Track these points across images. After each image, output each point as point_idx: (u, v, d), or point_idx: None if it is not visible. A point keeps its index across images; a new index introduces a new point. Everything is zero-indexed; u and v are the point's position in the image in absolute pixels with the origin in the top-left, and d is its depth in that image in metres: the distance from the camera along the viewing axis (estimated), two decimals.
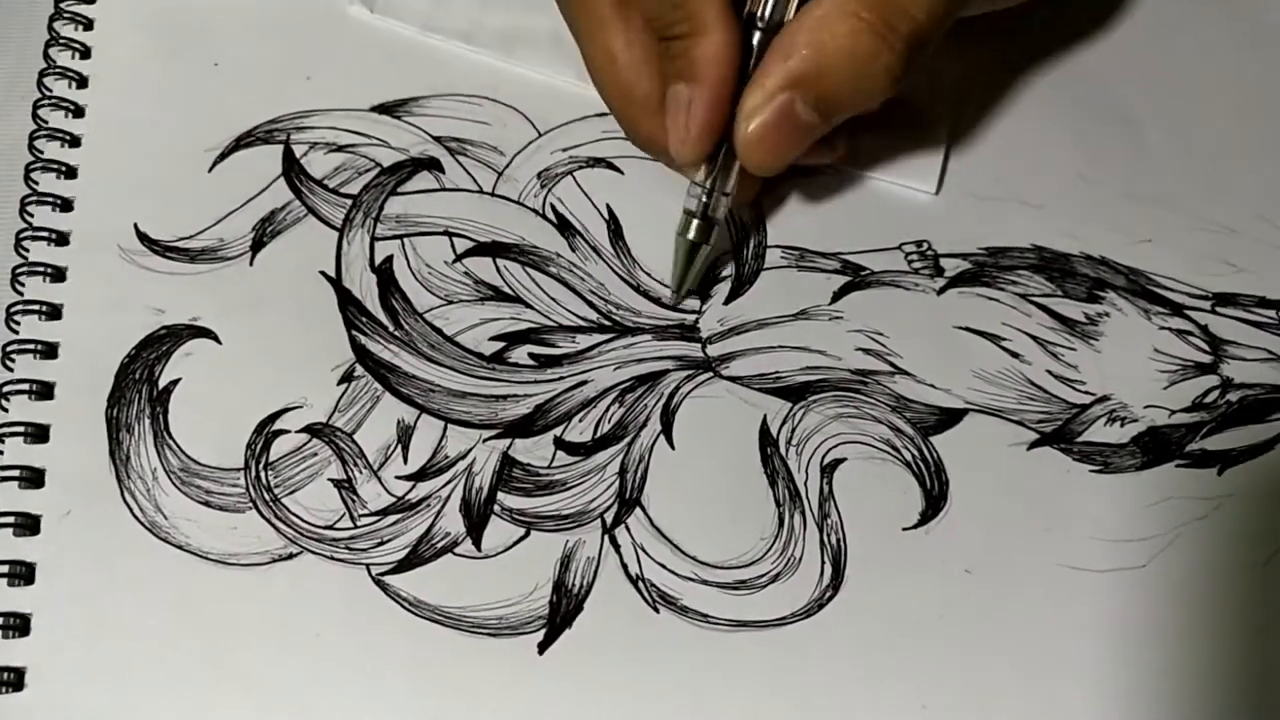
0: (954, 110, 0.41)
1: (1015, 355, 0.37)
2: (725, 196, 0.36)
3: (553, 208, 0.39)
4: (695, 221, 0.36)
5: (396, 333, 0.36)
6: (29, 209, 0.38)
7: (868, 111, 0.35)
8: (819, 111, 0.34)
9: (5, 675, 0.31)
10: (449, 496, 0.34)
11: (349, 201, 0.38)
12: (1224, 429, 0.37)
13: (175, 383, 0.35)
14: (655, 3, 0.34)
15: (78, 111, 0.39)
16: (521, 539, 0.34)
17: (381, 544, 0.33)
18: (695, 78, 0.34)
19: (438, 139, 0.39)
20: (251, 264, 0.37)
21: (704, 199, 0.36)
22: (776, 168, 0.35)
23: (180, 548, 0.33)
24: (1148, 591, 0.34)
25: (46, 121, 0.39)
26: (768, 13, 0.34)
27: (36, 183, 0.38)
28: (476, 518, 0.34)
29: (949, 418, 0.36)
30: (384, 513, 0.34)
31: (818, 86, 0.33)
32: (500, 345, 0.37)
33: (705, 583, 0.33)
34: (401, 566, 0.33)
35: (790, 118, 0.33)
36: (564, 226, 0.39)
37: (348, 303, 0.37)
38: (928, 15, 0.33)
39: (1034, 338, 0.38)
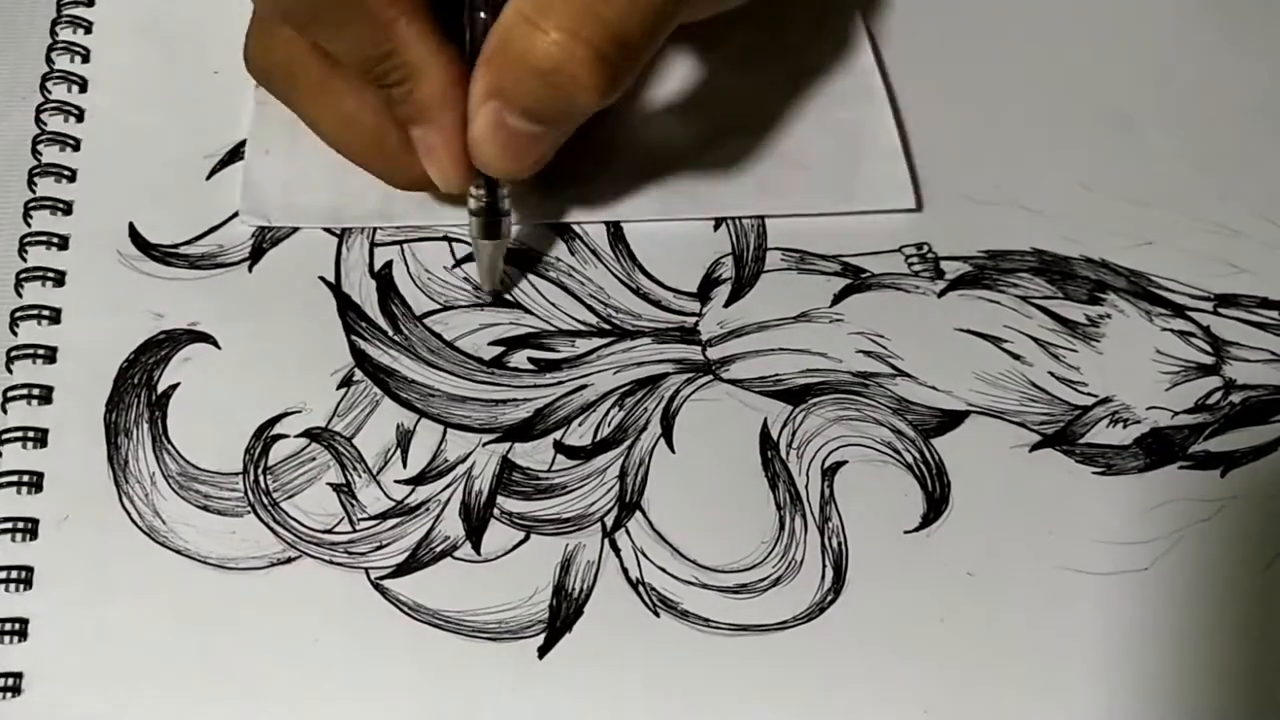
0: (893, 117, 0.41)
1: (1017, 357, 0.37)
2: (506, 187, 0.35)
3: None
4: (477, 220, 0.36)
5: (396, 338, 0.36)
6: (30, 213, 0.38)
7: (600, 108, 0.33)
8: (530, 118, 0.32)
9: (3, 680, 0.31)
10: (448, 500, 0.34)
11: None
12: (1227, 430, 0.37)
13: (174, 387, 0.35)
14: (361, 58, 0.33)
15: (78, 115, 0.40)
16: (521, 543, 0.34)
17: (380, 548, 0.33)
18: (427, 120, 0.33)
19: None
20: (251, 270, 0.37)
21: (483, 196, 0.35)
22: (517, 172, 0.34)
23: (178, 552, 0.33)
24: (1151, 594, 0.34)
25: (47, 125, 0.39)
26: (478, 27, 0.33)
27: (36, 186, 0.38)
28: (476, 521, 0.34)
29: (951, 420, 0.36)
30: (383, 516, 0.34)
31: (517, 98, 0.32)
32: (500, 350, 0.36)
33: (706, 587, 0.33)
34: (400, 570, 0.33)
35: (504, 127, 0.32)
36: (563, 229, 0.39)
37: (347, 308, 0.37)
38: (625, 20, 0.31)
39: (1035, 339, 0.38)
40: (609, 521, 0.34)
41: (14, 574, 0.32)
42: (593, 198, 0.39)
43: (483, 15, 0.33)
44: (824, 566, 0.34)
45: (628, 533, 0.34)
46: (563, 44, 0.30)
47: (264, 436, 0.35)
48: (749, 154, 0.40)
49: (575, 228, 0.39)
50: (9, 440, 0.34)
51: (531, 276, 0.38)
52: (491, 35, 0.32)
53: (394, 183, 0.37)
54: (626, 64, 0.32)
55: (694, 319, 0.38)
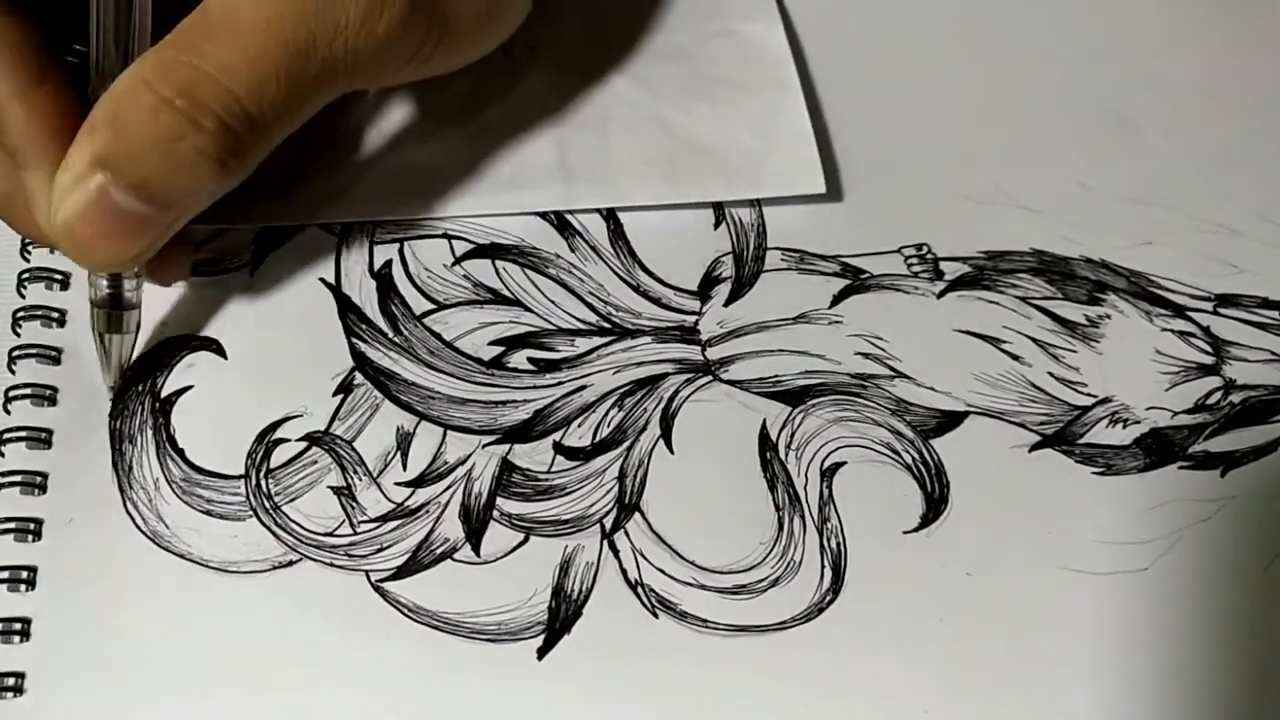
0: (805, 103, 0.40)
1: (1016, 358, 0.37)
2: (134, 278, 0.33)
3: None
4: (99, 311, 0.33)
5: (396, 339, 0.36)
6: None
7: (219, 196, 0.31)
8: (145, 200, 0.29)
9: (7, 680, 0.31)
10: (448, 502, 0.34)
11: None
12: (1227, 430, 0.37)
13: (178, 393, 0.35)
14: None
15: None
16: (520, 544, 0.34)
17: (381, 550, 0.33)
18: (21, 164, 0.30)
19: None
20: (253, 274, 0.37)
21: (105, 286, 0.32)
22: (117, 261, 0.31)
23: (181, 556, 0.33)
24: (1150, 594, 0.34)
25: None
26: (100, 60, 0.30)
27: None
28: (476, 523, 0.34)
29: (950, 420, 0.36)
30: (383, 519, 0.34)
31: (130, 171, 0.28)
32: (499, 350, 0.37)
33: (704, 588, 0.33)
34: (401, 573, 0.33)
35: (107, 205, 0.29)
36: (563, 227, 0.39)
37: (347, 309, 0.37)
38: (250, 90, 0.29)
39: (1035, 340, 0.38)
40: (608, 523, 0.34)
41: (18, 574, 0.33)
42: (493, 186, 0.39)
43: (94, 73, 0.30)
44: (823, 567, 0.34)
45: (627, 534, 0.34)
46: (188, 113, 0.28)
47: (266, 441, 0.35)
48: (657, 144, 0.39)
49: (574, 222, 0.39)
50: (13, 440, 0.34)
51: (531, 274, 0.38)
52: (105, 98, 0.29)
53: (21, 232, 0.34)
54: (254, 143, 0.30)
55: (694, 318, 0.38)
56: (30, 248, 0.37)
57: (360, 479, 0.34)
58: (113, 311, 0.33)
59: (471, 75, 0.37)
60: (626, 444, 0.35)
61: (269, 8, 0.29)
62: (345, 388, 0.36)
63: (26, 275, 0.37)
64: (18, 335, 0.36)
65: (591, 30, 0.41)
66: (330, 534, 0.34)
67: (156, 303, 0.36)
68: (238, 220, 0.37)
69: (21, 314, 0.36)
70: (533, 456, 0.35)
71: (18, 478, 0.34)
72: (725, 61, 0.41)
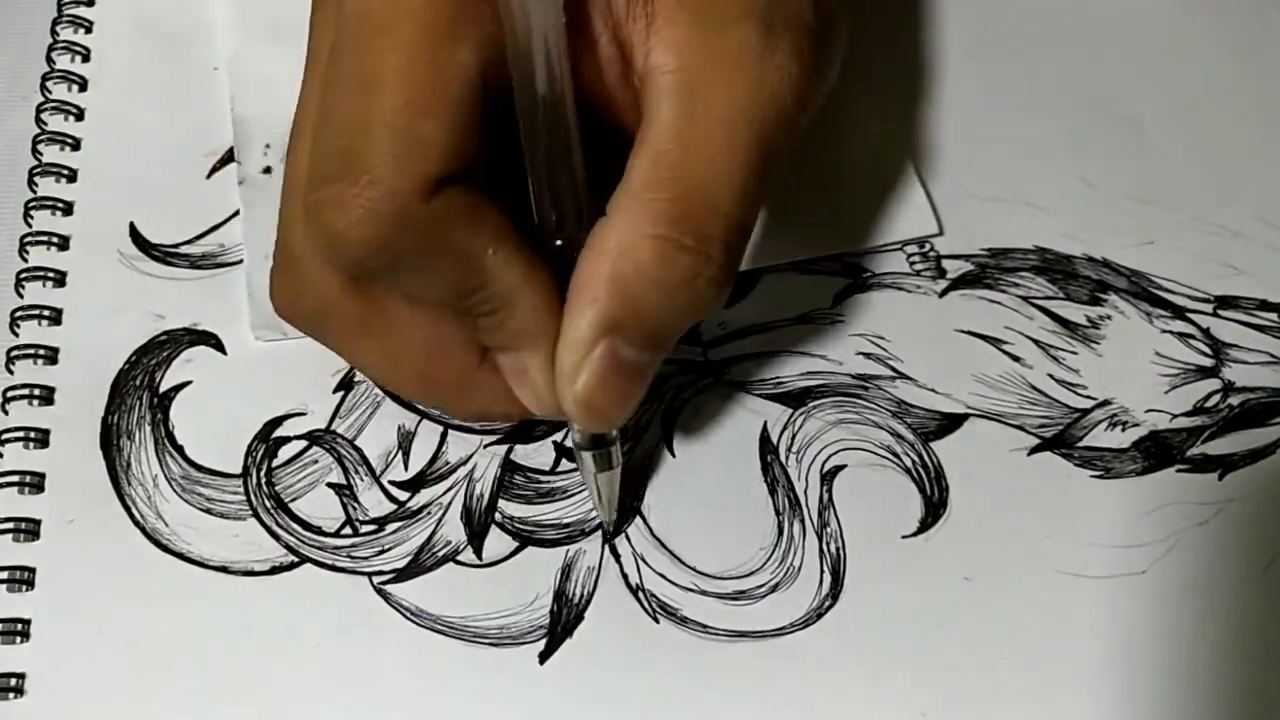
0: (904, 149, 0.40)
1: (1016, 359, 0.37)
2: None
3: None
4: (588, 453, 0.32)
5: None
6: (30, 213, 0.38)
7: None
8: (649, 346, 0.29)
9: (7, 681, 0.31)
10: (450, 504, 0.34)
11: None
12: (1225, 433, 0.37)
13: (176, 389, 0.35)
14: (447, 295, 0.29)
15: (78, 115, 0.39)
16: (522, 548, 0.34)
17: (383, 552, 0.33)
18: (520, 346, 0.30)
19: None
20: None
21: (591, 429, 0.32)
22: (624, 417, 0.30)
23: (180, 555, 0.33)
24: (1148, 597, 0.34)
25: (47, 124, 0.39)
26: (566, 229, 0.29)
27: (37, 186, 0.38)
28: (477, 526, 0.34)
29: (950, 423, 0.36)
30: (385, 520, 0.34)
31: (638, 325, 0.28)
32: None
33: (704, 593, 0.33)
34: (402, 575, 0.33)
35: (618, 365, 0.28)
36: None
37: None
38: (737, 202, 0.28)
39: (1035, 341, 0.38)
40: (609, 527, 0.34)
41: (16, 574, 0.33)
42: None
43: (559, 243, 0.29)
44: (822, 572, 0.34)
45: (628, 538, 0.34)
46: (700, 249, 0.27)
47: (266, 439, 0.35)
48: (777, 200, 0.39)
49: None
50: (10, 440, 0.34)
51: None
52: (598, 262, 0.28)
53: (454, 414, 0.34)
54: (742, 251, 0.29)
55: None
56: (28, 247, 0.37)
57: (362, 479, 0.34)
58: (600, 451, 0.32)
59: None
60: (628, 446, 0.35)
61: (729, 111, 0.28)
62: (345, 385, 0.36)
63: (24, 275, 0.37)
64: (15, 335, 0.36)
65: None
66: (332, 535, 0.34)
67: (155, 297, 0.36)
68: None
69: (19, 314, 0.36)
70: (534, 457, 0.35)
71: (15, 478, 0.34)
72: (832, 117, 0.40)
